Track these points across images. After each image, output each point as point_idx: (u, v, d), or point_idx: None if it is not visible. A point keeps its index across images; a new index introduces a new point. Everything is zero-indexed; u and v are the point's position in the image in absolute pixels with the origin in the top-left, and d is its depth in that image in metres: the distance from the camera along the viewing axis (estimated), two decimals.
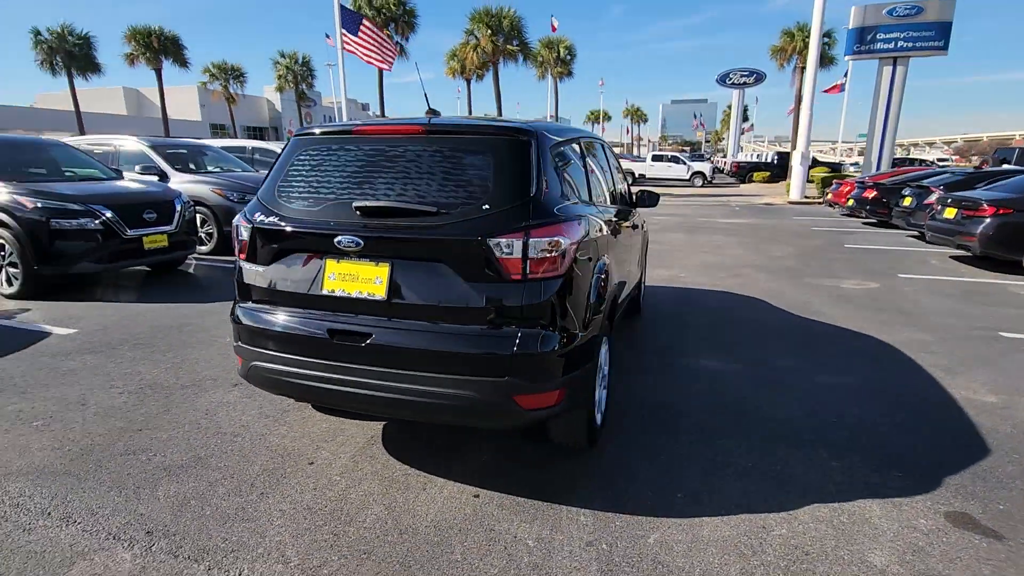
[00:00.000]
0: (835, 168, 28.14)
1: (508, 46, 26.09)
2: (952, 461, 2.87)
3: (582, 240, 2.47)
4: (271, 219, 2.47)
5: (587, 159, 3.23)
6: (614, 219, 3.59)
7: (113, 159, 8.82)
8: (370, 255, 2.31)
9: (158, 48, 30.93)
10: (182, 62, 32.85)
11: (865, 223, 13.49)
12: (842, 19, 20.98)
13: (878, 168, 18.82)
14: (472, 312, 2.24)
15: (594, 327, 2.57)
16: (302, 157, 2.57)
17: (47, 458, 2.82)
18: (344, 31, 17.10)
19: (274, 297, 2.50)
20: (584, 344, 2.48)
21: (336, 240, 2.30)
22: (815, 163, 28.34)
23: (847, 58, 20.78)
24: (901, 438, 3.12)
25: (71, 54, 30.32)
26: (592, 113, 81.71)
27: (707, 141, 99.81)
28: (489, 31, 25.70)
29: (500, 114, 28.94)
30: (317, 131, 2.61)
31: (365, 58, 17.17)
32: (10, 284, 5.74)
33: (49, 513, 2.40)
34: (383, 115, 29.21)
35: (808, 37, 21.72)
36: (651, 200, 4.58)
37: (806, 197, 20.07)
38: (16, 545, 2.21)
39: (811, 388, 3.80)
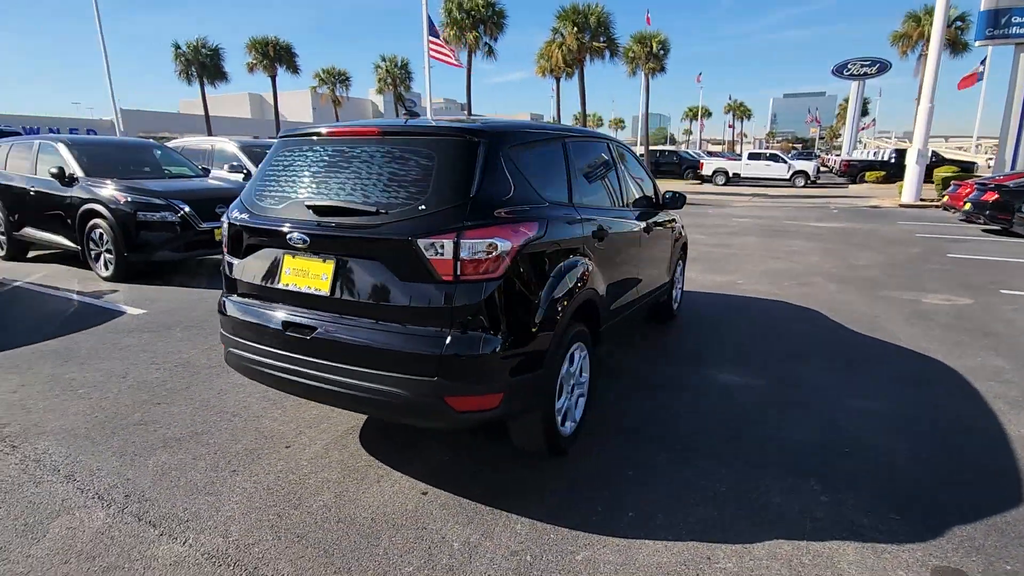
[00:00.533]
0: (967, 168, 24.88)
1: (594, 43, 25.65)
2: (970, 508, 2.48)
3: (533, 242, 2.41)
4: (243, 216, 2.65)
5: (574, 160, 3.13)
6: (616, 220, 3.46)
7: (209, 158, 9.79)
8: (317, 252, 2.41)
9: (273, 56, 33.90)
10: (293, 68, 35.79)
11: (985, 231, 11.84)
12: (974, 1, 18.53)
13: (1012, 168, 16.45)
14: (407, 311, 2.27)
15: (552, 332, 2.49)
16: (278, 157, 2.73)
17: (76, 422, 3.22)
18: (430, 37, 18.62)
19: (246, 289, 2.68)
20: (534, 349, 2.42)
21: (288, 236, 2.42)
22: (941, 161, 25.30)
23: (978, 43, 18.37)
24: (918, 476, 2.74)
25: (203, 65, 34.04)
26: (691, 110, 78.45)
27: (821, 137, 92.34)
28: (575, 28, 25.42)
29: (584, 112, 28.64)
30: (291, 133, 2.77)
31: (443, 59, 18.81)
32: (106, 268, 6.58)
33: (58, 470, 2.74)
34: (469, 114, 29.96)
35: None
36: (675, 202, 4.37)
37: (922, 200, 17.98)
38: (23, 494, 2.55)
39: (835, 412, 3.43)
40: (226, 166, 9.29)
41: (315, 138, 2.65)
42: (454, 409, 2.27)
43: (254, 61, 34.22)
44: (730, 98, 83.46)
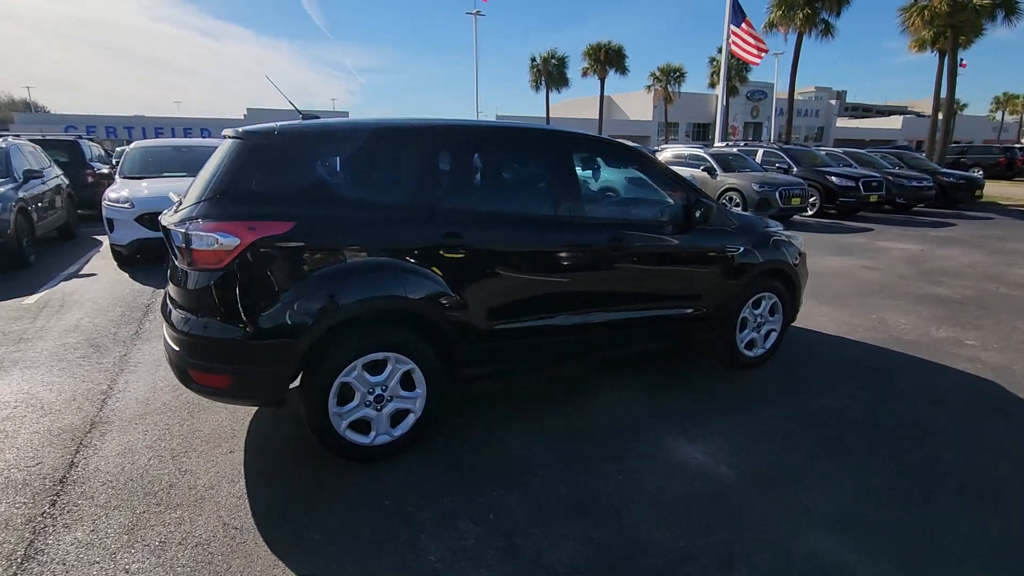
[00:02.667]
0: None
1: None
2: None
3: (278, 240, 2.45)
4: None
5: (430, 161, 2.86)
6: (524, 227, 3.01)
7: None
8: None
9: (604, 60, 36.29)
10: (622, 70, 37.57)
11: None
12: None
13: None
14: (185, 290, 2.61)
15: (307, 330, 2.48)
16: None
17: None
18: (732, 27, 17.33)
19: None
20: (277, 344, 2.47)
21: None
22: None
23: None
24: None
25: (550, 74, 38.93)
26: None
27: None
28: None
29: (952, 91, 21.36)
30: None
31: (737, 50, 17.04)
32: None
33: None
34: (791, 105, 26.05)
35: None
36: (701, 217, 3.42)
37: None
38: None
39: (804, 519, 2.26)
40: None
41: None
42: (195, 382, 2.55)
43: (588, 66, 37.31)
44: None
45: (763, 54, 16.87)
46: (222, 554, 2.19)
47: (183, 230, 2.46)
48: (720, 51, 38.54)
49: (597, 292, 3.29)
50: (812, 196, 12.49)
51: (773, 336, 4.12)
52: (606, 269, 3.27)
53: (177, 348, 2.58)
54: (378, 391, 2.74)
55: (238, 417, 3.25)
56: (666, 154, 13.45)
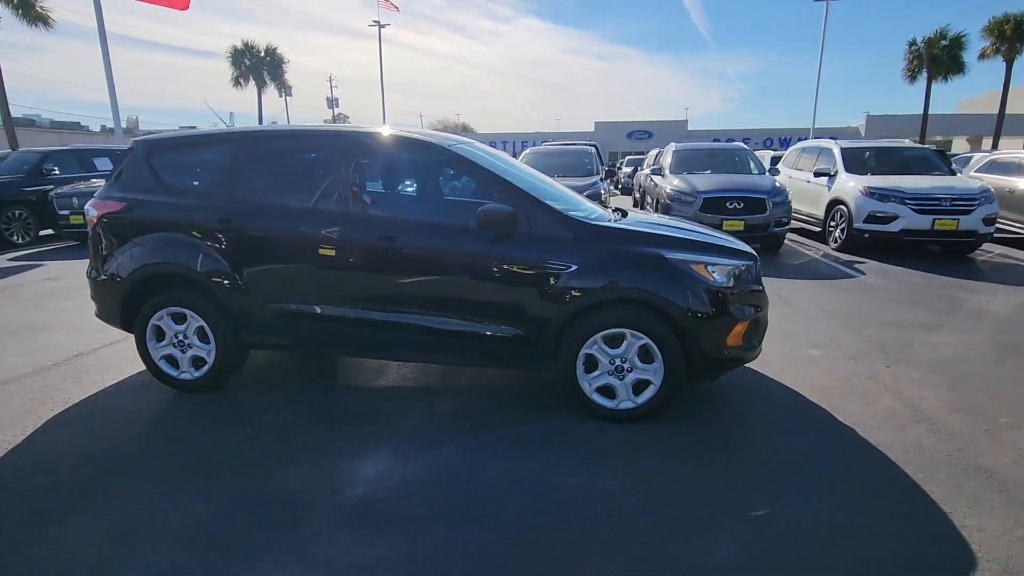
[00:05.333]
0: None
1: None
2: None
3: (114, 214, 3.47)
4: None
5: (234, 162, 3.42)
6: (300, 218, 3.31)
7: None
8: None
9: (1012, 36, 25.88)
10: None
11: None
12: None
13: None
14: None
15: (123, 280, 3.46)
16: None
17: None
18: None
19: None
20: (110, 286, 3.53)
21: None
22: None
23: None
24: None
25: (935, 59, 30.30)
26: None
27: None
28: None
29: None
30: None
31: None
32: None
33: None
34: None
35: None
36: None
37: None
38: None
39: None
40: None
41: None
42: (95, 311, 3.83)
43: (989, 45, 27.45)
44: None
45: None
46: None
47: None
48: None
49: (374, 289, 3.26)
50: None
51: (651, 391, 3.10)
52: (385, 268, 3.22)
53: None
54: (180, 337, 3.52)
55: None
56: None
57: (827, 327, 4.94)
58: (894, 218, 8.07)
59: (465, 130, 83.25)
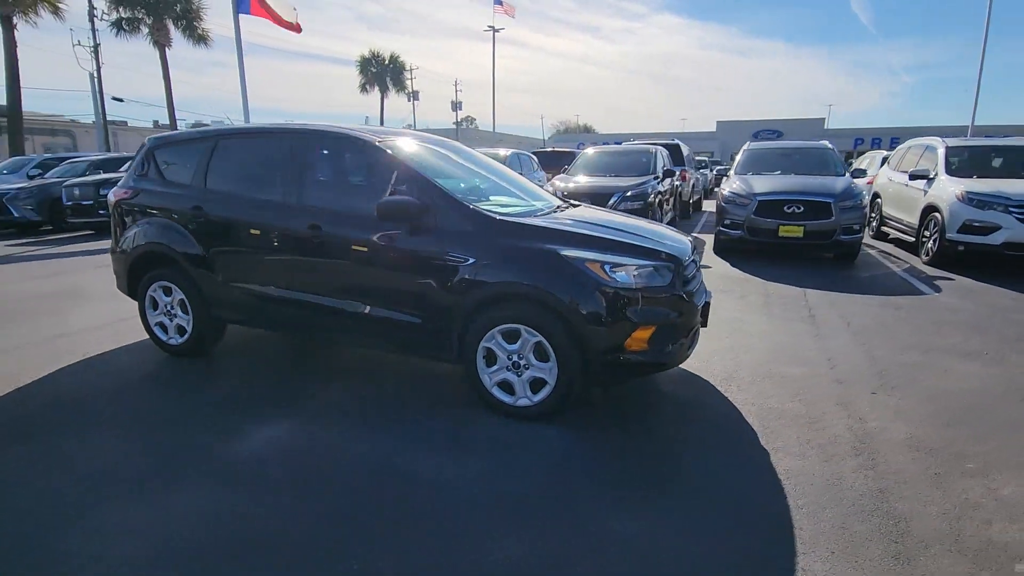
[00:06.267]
0: None
1: None
2: None
3: (124, 200, 4.09)
4: None
5: (213, 158, 3.85)
6: (261, 210, 3.66)
7: None
8: None
9: None
10: None
11: None
12: None
13: None
14: None
15: (128, 254, 4.09)
16: None
17: None
18: None
19: None
20: (122, 257, 4.17)
21: None
22: None
23: None
24: None
25: None
26: None
27: None
28: None
29: None
30: None
31: None
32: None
33: None
34: None
35: None
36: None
37: None
38: None
39: None
40: None
41: None
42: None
43: None
44: None
45: None
46: None
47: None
48: None
49: (308, 275, 3.53)
50: None
51: (547, 389, 3.03)
52: (314, 254, 3.47)
53: None
54: (168, 308, 4.06)
55: None
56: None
57: (837, 346, 4.39)
58: (995, 229, 6.84)
59: (587, 131, 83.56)
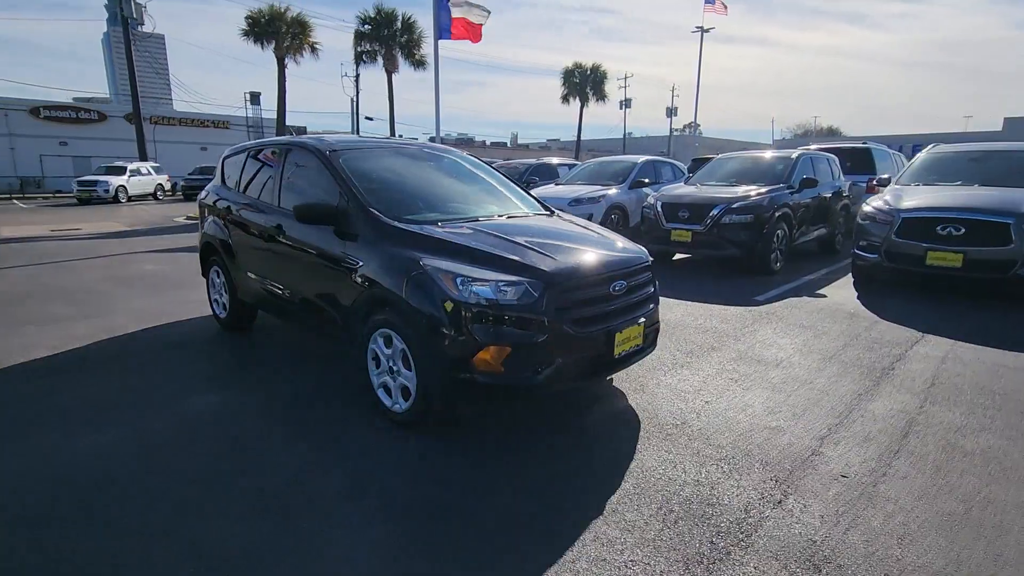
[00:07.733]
0: None
1: None
2: None
3: (208, 196, 5.09)
4: None
5: (245, 166, 4.54)
6: (257, 212, 4.29)
7: None
8: None
9: None
10: None
11: None
12: None
13: None
14: None
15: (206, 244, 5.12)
16: None
17: None
18: None
19: None
20: (205, 243, 5.21)
21: None
22: None
23: None
24: None
25: None
26: None
27: None
28: None
29: None
30: None
31: None
32: None
33: None
34: None
35: None
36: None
37: None
38: None
39: None
40: None
41: None
42: None
43: None
44: None
45: None
46: None
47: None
48: None
49: (280, 268, 4.01)
50: None
51: (412, 399, 2.98)
52: (281, 250, 3.92)
53: None
54: (218, 288, 4.97)
55: None
56: None
57: (882, 408, 3.35)
58: None
59: (831, 133, 72.95)
